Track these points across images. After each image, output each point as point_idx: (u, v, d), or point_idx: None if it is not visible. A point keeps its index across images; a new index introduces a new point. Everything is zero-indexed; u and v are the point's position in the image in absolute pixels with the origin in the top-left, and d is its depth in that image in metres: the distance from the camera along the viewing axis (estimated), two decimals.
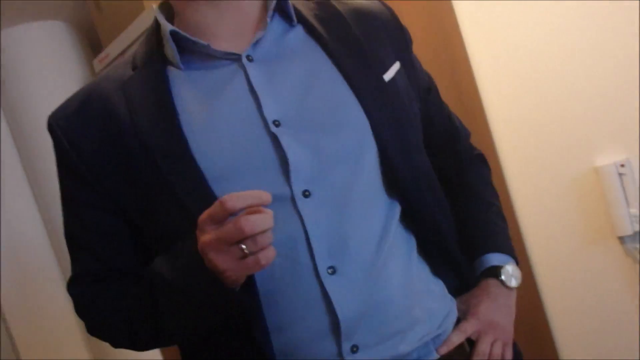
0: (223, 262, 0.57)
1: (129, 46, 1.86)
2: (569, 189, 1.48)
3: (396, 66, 0.74)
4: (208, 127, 0.67)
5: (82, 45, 2.34)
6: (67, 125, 0.70)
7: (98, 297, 0.74)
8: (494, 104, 1.56)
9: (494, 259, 0.80)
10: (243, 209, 0.56)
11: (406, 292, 0.70)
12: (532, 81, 1.48)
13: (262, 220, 0.56)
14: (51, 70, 2.21)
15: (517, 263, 0.83)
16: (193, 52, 0.69)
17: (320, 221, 0.66)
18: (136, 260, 0.74)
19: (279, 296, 0.66)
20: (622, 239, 1.42)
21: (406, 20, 0.84)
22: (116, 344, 0.74)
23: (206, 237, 0.58)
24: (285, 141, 0.65)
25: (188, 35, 0.68)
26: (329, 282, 0.65)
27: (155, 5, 0.75)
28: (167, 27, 0.68)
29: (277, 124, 0.66)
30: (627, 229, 1.38)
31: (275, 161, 0.65)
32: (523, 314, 1.48)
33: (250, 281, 0.64)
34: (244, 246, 0.56)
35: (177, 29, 0.68)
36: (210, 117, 0.67)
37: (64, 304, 2.24)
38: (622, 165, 1.36)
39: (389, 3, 0.83)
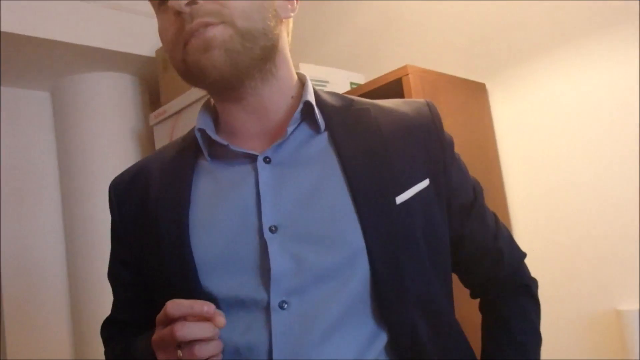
0: None
1: (185, 107, 1.97)
2: (588, 329, 1.43)
3: (422, 184, 0.70)
4: (211, 221, 0.69)
5: (143, 99, 2.49)
6: (118, 192, 0.79)
7: (113, 345, 0.82)
8: (522, 228, 1.56)
9: None
10: (181, 316, 0.59)
11: None
12: (562, 206, 1.47)
13: (199, 329, 0.58)
14: (112, 116, 2.36)
15: None
16: (220, 147, 0.72)
17: (288, 336, 0.63)
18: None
19: None
20: None
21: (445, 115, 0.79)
22: None
23: (155, 335, 0.63)
24: (272, 249, 0.65)
25: (210, 133, 0.71)
26: None
27: (199, 90, 0.78)
28: (198, 124, 0.73)
29: (273, 229, 0.66)
30: None
31: (259, 267, 0.65)
32: None
33: None
34: (180, 352, 0.59)
35: (204, 128, 0.72)
36: (215, 211, 0.69)
37: (60, 309, 2.27)
38: None
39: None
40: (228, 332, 0.63)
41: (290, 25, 0.77)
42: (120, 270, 0.80)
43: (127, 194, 0.77)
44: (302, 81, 0.76)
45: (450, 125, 1.46)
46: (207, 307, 0.59)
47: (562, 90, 1.48)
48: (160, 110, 2.10)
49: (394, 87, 1.41)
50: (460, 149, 0.83)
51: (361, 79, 1.79)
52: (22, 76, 2.26)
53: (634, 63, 1.36)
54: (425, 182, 0.71)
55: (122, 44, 2.18)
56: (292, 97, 0.74)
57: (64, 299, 2.34)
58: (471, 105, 1.55)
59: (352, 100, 0.76)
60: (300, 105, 0.70)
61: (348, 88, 1.70)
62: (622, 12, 1.36)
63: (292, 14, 0.74)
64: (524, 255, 0.85)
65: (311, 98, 0.72)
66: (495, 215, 0.83)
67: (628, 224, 1.36)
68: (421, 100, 0.79)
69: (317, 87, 0.77)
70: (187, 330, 0.58)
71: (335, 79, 1.67)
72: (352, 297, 0.65)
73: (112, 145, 2.31)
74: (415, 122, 0.74)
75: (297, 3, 0.74)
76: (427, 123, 0.75)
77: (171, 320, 0.59)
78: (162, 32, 0.69)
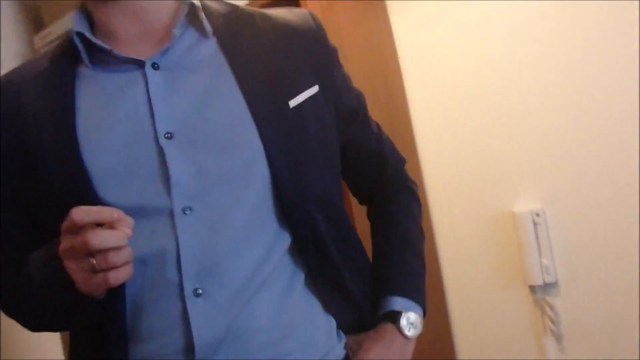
0: (73, 272, 0.59)
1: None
2: (487, 230, 1.51)
3: (312, 90, 0.73)
4: (101, 130, 0.66)
5: (25, 21, 2.29)
6: None
7: None
8: (425, 134, 1.59)
9: (397, 303, 0.77)
10: (89, 223, 0.56)
11: (277, 323, 0.67)
12: (464, 117, 1.51)
13: (112, 237, 0.57)
14: None
15: (425, 312, 0.80)
16: (102, 53, 0.68)
17: (194, 240, 0.64)
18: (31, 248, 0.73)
19: (144, 308, 0.66)
20: (532, 288, 1.45)
21: (343, 34, 0.81)
22: (10, 316, 0.75)
23: (63, 244, 0.59)
24: (170, 155, 0.65)
25: (91, 38, 0.68)
26: (192, 303, 0.64)
27: (76, 5, 0.73)
28: (75, 27, 0.69)
29: (168, 136, 0.66)
30: (538, 279, 1.41)
31: (159, 174, 0.65)
32: (434, 347, 1.51)
33: (117, 290, 0.63)
34: (93, 261, 0.57)
35: (82, 31, 0.68)
36: (105, 120, 0.67)
37: None
38: (538, 215, 1.39)
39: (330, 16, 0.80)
40: (132, 241, 0.62)
41: None
42: None
43: None
44: None
45: (349, 38, 1.48)
46: (116, 213, 0.57)
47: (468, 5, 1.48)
48: (45, 31, 1.94)
49: (287, 1, 1.36)
50: (359, 68, 0.85)
51: None
52: None
53: None
54: (315, 88, 0.74)
55: None
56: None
57: None
58: (369, 17, 1.53)
59: (236, 7, 0.76)
60: (186, 8, 0.69)
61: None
62: None
63: None
64: (404, 160, 0.91)
65: (196, 1, 0.71)
66: (378, 124, 0.88)
67: (525, 129, 1.42)
68: (304, 10, 0.80)
69: None
70: (100, 239, 0.56)
71: None
72: (254, 199, 0.67)
73: None
74: (299, 29, 0.75)
75: None
76: (311, 30, 0.76)
77: (78, 228, 0.57)
78: None
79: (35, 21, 2.31)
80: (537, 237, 1.40)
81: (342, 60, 0.82)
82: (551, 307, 1.41)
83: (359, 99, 0.84)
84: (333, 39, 0.80)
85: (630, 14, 1.23)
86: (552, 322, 1.41)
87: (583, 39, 1.30)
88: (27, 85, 0.70)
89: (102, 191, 0.64)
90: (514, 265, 1.47)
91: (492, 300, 1.53)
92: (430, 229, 1.60)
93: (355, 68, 0.86)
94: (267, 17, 0.75)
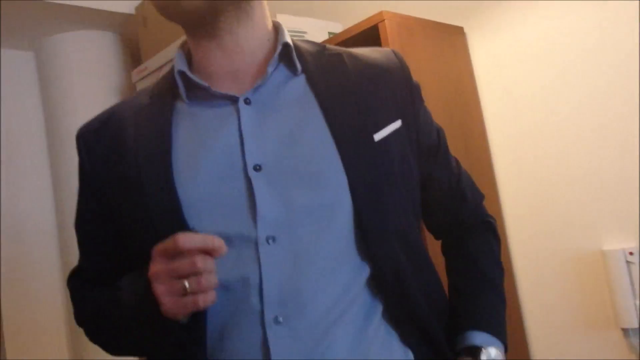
0: (162, 294, 0.62)
1: (166, 63, 1.94)
2: (573, 269, 1.43)
3: (395, 125, 0.74)
4: (195, 161, 0.70)
5: (125, 56, 2.48)
6: (87, 140, 0.78)
7: (84, 294, 0.81)
8: (505, 169, 1.54)
9: (477, 337, 0.76)
10: (193, 249, 0.60)
11: (355, 354, 0.67)
12: (546, 151, 1.46)
13: (211, 262, 0.61)
14: (95, 74, 2.37)
15: (506, 349, 0.78)
16: (199, 89, 0.73)
17: (277, 269, 0.66)
18: (122, 269, 0.78)
19: (225, 333, 0.67)
20: (625, 331, 1.34)
21: (423, 67, 0.82)
22: (92, 340, 0.81)
23: (155, 266, 0.62)
24: (257, 186, 0.67)
25: (191, 75, 0.72)
26: (272, 331, 0.65)
27: (179, 42, 0.79)
28: (177, 66, 0.74)
29: (257, 168, 0.68)
30: (633, 322, 1.31)
31: (246, 203, 0.67)
32: None
33: (201, 314, 0.66)
34: (186, 283, 0.60)
35: (184, 69, 0.73)
36: (198, 153, 0.70)
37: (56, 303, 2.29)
38: (631, 253, 1.30)
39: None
40: (217, 267, 0.65)
41: None
42: (90, 220, 0.79)
43: (96, 141, 0.77)
44: (277, 28, 0.77)
45: (428, 71, 1.49)
46: (217, 241, 0.61)
47: (538, 31, 1.45)
48: (141, 67, 2.08)
49: (370, 34, 1.40)
50: (438, 97, 0.85)
51: (338, 28, 1.76)
52: (6, 36, 2.29)
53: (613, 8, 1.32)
54: (398, 123, 0.75)
55: (102, 2, 2.19)
56: (268, 40, 0.75)
57: (54, 263, 2.34)
58: (449, 49, 1.53)
59: (325, 47, 0.79)
60: (279, 47, 0.73)
61: (326, 37, 1.68)
62: None
63: None
64: (483, 196, 0.90)
65: (289, 40, 0.74)
66: (457, 160, 0.88)
67: (613, 162, 1.34)
68: (388, 48, 0.83)
69: (294, 38, 0.78)
70: (206, 263, 0.60)
71: (312, 29, 1.65)
72: (337, 232, 0.68)
73: (96, 104, 2.27)
74: (384, 67, 0.78)
75: None
76: (395, 68, 0.79)
77: (178, 253, 0.60)
78: None
79: (132, 56, 2.50)
80: (630, 276, 1.31)
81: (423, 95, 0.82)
82: None
83: (440, 134, 0.84)
84: (413, 72, 0.81)
85: None
86: None
87: None
88: (129, 118, 0.76)
89: (193, 220, 0.67)
90: (603, 307, 1.37)
91: (579, 344, 1.43)
92: (510, 268, 1.53)
93: (434, 101, 0.85)
94: (353, 56, 0.78)
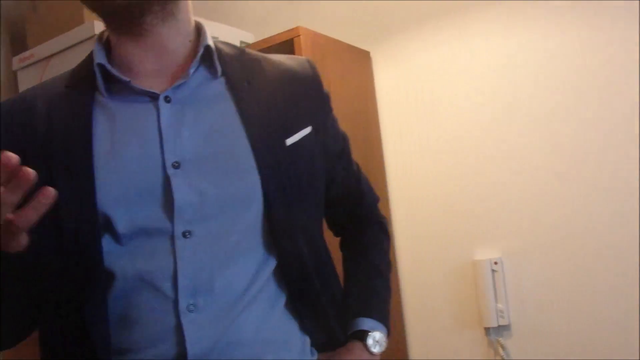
0: None
1: (58, 53, 1.82)
2: (449, 276, 1.60)
3: (306, 130, 0.79)
4: (113, 155, 0.71)
5: (4, 41, 2.27)
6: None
7: None
8: (396, 181, 1.69)
9: (365, 323, 0.84)
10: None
11: (260, 339, 0.73)
12: (432, 168, 1.62)
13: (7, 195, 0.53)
14: None
15: (389, 332, 0.87)
16: (119, 83, 0.73)
17: (192, 261, 0.69)
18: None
19: (137, 321, 0.69)
20: (487, 330, 1.53)
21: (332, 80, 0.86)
22: None
23: None
24: (175, 183, 0.70)
25: (111, 70, 0.73)
26: (186, 317, 0.69)
27: (97, 34, 0.78)
28: (96, 58, 0.74)
29: (175, 165, 0.71)
30: (493, 322, 1.50)
31: (163, 200, 0.70)
32: None
33: (97, 297, 0.68)
34: None
35: (104, 63, 0.73)
36: (117, 147, 0.71)
37: None
38: (496, 263, 1.50)
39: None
40: (132, 259, 0.68)
41: None
42: None
43: (4, 127, 0.74)
44: (199, 28, 0.80)
45: (336, 90, 1.59)
46: (14, 158, 0.53)
47: (439, 59, 1.61)
48: (26, 53, 1.92)
49: (284, 48, 1.45)
50: (343, 112, 0.91)
51: (250, 39, 1.79)
52: None
53: (512, 35, 1.52)
54: (309, 129, 0.80)
55: None
56: (190, 41, 0.77)
57: None
58: (356, 71, 1.64)
59: (243, 51, 0.83)
60: (201, 50, 0.75)
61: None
62: None
63: None
64: (378, 198, 0.99)
65: (211, 43, 0.77)
66: (357, 164, 0.96)
67: (484, 185, 1.54)
68: (303, 57, 0.89)
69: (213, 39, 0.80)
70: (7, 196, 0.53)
71: (225, 36, 1.65)
72: (247, 225, 0.72)
73: None
74: (299, 75, 0.83)
75: None
76: (309, 77, 0.84)
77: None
78: None
79: (16, 42, 2.29)
80: (494, 283, 1.50)
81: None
82: (503, 348, 1.51)
83: (345, 140, 0.92)
84: (324, 84, 0.87)
85: (604, 69, 1.39)
86: None
87: (542, 103, 1.45)
88: (41, 105, 0.74)
89: (109, 210, 0.68)
90: (470, 309, 1.55)
91: (450, 339, 1.60)
92: (396, 272, 1.67)
93: (340, 114, 0.93)
94: (270, 62, 0.82)
